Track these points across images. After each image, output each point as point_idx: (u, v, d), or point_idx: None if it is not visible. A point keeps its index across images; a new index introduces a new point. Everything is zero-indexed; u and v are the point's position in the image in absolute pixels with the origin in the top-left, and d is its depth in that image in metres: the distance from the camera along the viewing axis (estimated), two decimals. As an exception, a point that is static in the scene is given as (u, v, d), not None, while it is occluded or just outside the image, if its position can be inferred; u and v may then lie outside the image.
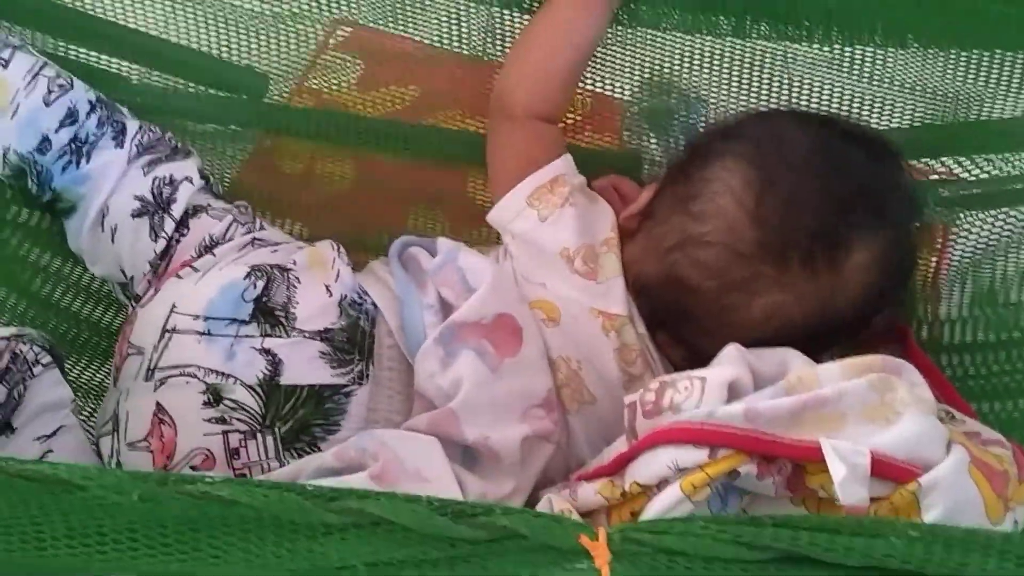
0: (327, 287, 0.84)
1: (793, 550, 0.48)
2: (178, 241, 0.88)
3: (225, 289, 0.82)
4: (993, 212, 0.95)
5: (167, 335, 0.81)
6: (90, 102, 0.89)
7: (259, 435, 0.78)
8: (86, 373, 0.99)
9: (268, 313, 0.81)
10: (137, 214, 0.88)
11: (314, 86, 1.00)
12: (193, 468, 0.78)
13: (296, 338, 0.81)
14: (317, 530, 0.50)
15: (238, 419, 0.78)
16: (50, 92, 0.87)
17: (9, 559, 0.50)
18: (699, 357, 0.80)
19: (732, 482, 0.69)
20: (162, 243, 0.87)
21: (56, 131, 0.86)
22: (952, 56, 0.91)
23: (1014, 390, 0.88)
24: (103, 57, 0.95)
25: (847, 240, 0.80)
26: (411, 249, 0.91)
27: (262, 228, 0.92)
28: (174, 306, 0.82)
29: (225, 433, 0.78)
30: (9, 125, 0.86)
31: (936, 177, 0.98)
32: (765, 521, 0.49)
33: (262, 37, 0.97)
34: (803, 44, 0.92)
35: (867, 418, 0.69)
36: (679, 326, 0.85)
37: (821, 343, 0.79)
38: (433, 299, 0.84)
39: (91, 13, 0.93)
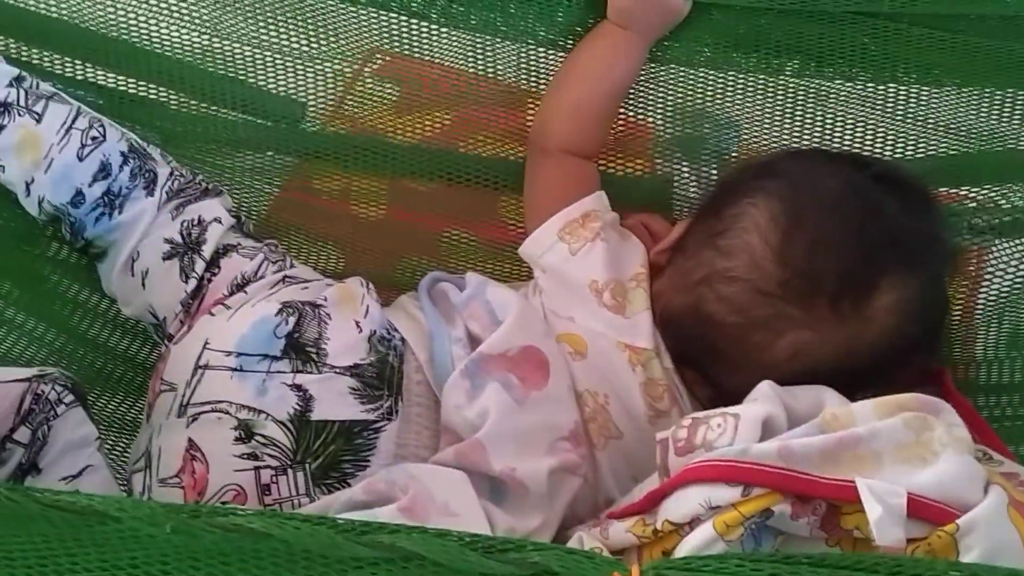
0: (357, 323, 0.85)
1: (828, 591, 0.47)
2: (209, 280, 0.88)
3: (257, 325, 0.83)
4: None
5: (200, 371, 0.82)
6: (122, 153, 0.89)
7: (290, 471, 0.79)
8: (121, 408, 0.99)
9: (299, 349, 0.82)
10: (167, 256, 0.88)
11: (350, 112, 1.01)
12: (224, 504, 0.78)
13: (327, 374, 0.81)
14: (348, 564, 0.50)
15: (269, 455, 0.79)
16: (83, 146, 0.87)
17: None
18: (726, 395, 0.79)
19: (765, 522, 0.68)
20: (193, 283, 0.87)
21: (90, 185, 0.87)
22: (987, 94, 0.91)
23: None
24: (140, 83, 0.96)
25: (873, 284, 0.80)
26: (440, 284, 0.91)
27: (292, 266, 0.92)
28: (207, 342, 0.83)
29: (256, 469, 0.78)
30: (44, 179, 0.86)
31: (970, 204, 0.97)
32: (800, 559, 0.49)
33: (299, 64, 0.97)
34: (835, 82, 0.93)
35: (903, 458, 0.68)
36: (706, 362, 0.85)
37: (849, 384, 0.78)
38: (461, 332, 0.85)
39: (128, 40, 0.94)
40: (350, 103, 1.01)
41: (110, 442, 0.96)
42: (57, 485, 0.79)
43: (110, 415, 0.98)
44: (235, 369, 0.81)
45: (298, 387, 0.80)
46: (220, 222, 0.90)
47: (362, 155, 1.01)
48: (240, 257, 0.89)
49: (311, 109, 1.00)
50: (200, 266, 0.88)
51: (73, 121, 0.88)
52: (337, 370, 0.81)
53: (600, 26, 0.92)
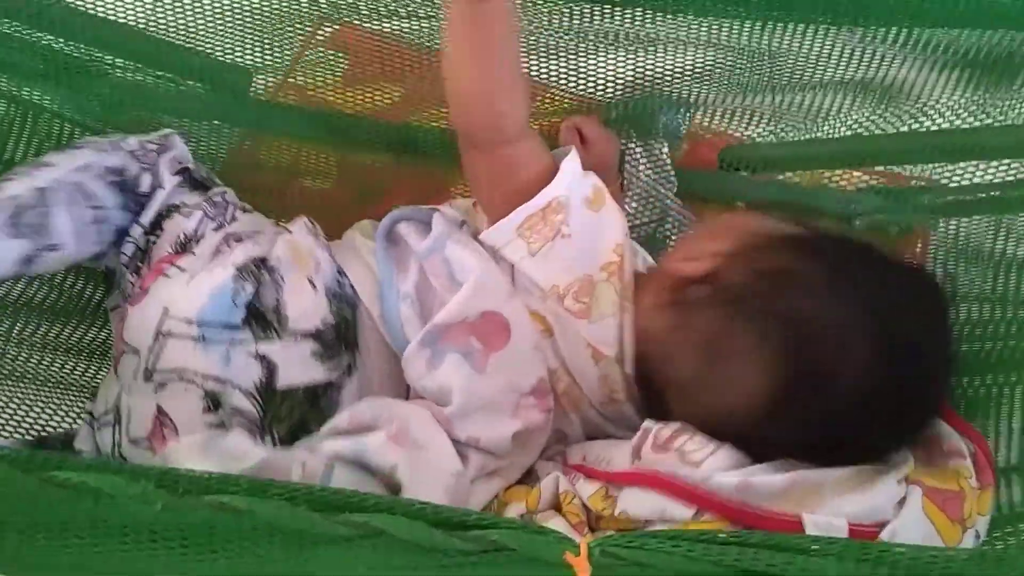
0: (311, 280, 0.85)
1: (753, 568, 0.53)
2: (154, 243, 0.88)
3: (215, 294, 0.82)
4: (973, 219, 0.97)
5: (162, 338, 0.82)
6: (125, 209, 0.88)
7: (258, 438, 0.80)
8: (89, 334, 1.00)
9: (260, 317, 0.82)
10: None
11: (298, 82, 1.02)
12: None
13: (289, 341, 0.82)
14: (323, 539, 0.54)
15: (238, 423, 0.80)
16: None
17: (34, 552, 0.54)
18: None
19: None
20: (130, 247, 0.88)
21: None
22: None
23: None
24: (83, 48, 0.94)
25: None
26: (400, 227, 0.89)
27: (234, 219, 0.91)
28: (166, 310, 0.82)
29: None
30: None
31: (916, 183, 1.01)
32: (731, 540, 0.54)
33: (247, 32, 0.97)
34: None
35: (843, 490, 0.72)
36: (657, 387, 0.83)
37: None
38: (410, 287, 0.85)
39: (72, 5, 0.92)
40: (298, 73, 1.02)
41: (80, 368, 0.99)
42: None
43: (76, 343, 1.00)
44: (198, 339, 0.81)
45: (262, 357, 0.81)
46: (163, 186, 0.89)
47: (310, 126, 1.01)
48: (181, 216, 0.89)
49: (258, 78, 1.00)
50: (138, 231, 0.88)
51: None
52: (299, 336, 0.82)
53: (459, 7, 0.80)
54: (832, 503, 0.71)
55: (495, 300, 0.83)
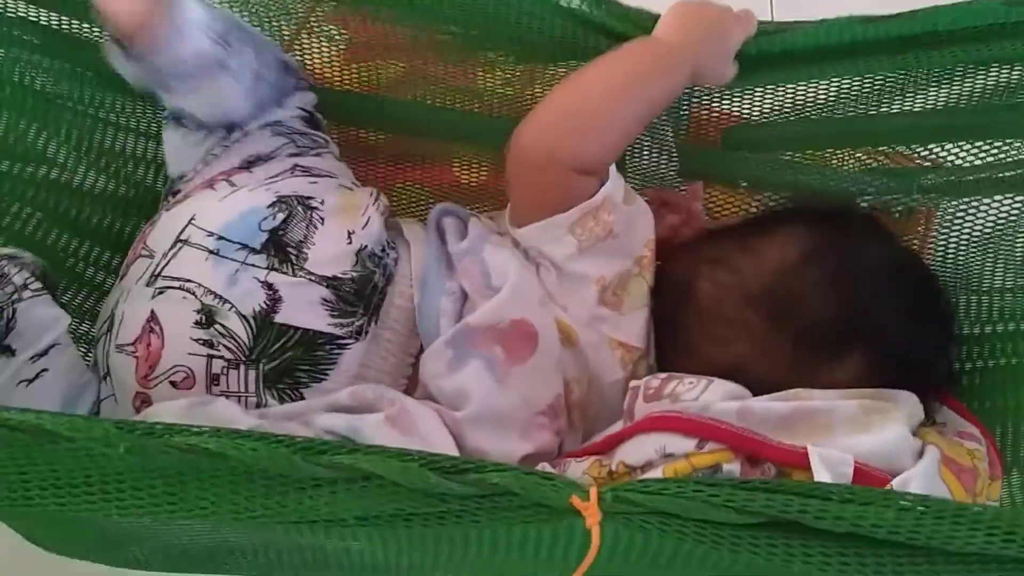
0: (350, 233, 0.81)
1: (783, 516, 0.48)
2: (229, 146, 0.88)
3: (245, 213, 0.80)
4: (977, 200, 0.94)
5: (179, 244, 0.80)
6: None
7: (242, 367, 0.77)
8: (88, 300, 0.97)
9: (280, 247, 0.79)
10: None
11: (298, 58, 1.00)
12: (172, 384, 0.77)
13: (301, 279, 0.79)
14: (307, 483, 0.49)
15: (225, 346, 0.77)
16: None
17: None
18: None
19: (714, 476, 0.69)
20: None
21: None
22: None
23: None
24: (84, 25, 0.91)
25: (838, 355, 0.78)
26: (446, 220, 0.88)
27: (315, 155, 0.90)
28: (193, 217, 0.81)
29: (210, 357, 0.77)
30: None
31: (920, 163, 0.98)
32: (758, 486, 0.49)
33: (245, 5, 0.94)
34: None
35: (851, 430, 0.70)
36: (664, 337, 0.84)
37: None
38: (456, 286, 0.83)
39: None
40: (297, 50, 0.99)
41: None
42: (26, 366, 0.78)
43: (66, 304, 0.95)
44: (212, 252, 0.79)
45: (269, 285, 0.78)
46: (284, 107, 0.91)
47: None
48: (261, 134, 0.89)
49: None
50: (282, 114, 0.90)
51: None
52: (313, 278, 0.79)
53: (652, 43, 0.83)
54: (839, 439, 0.69)
55: (528, 308, 0.81)
